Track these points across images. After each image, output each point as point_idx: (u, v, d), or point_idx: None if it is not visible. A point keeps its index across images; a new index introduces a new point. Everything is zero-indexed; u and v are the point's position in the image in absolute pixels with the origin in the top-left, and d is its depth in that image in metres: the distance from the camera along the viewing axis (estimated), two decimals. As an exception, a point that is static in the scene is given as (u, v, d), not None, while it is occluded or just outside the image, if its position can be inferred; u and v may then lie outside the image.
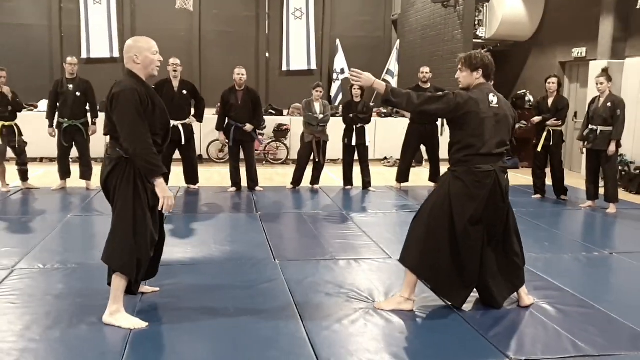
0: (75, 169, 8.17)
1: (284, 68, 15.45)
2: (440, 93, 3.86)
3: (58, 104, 7.85)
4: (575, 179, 9.64)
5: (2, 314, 3.73)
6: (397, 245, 4.84)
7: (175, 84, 7.98)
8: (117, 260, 3.58)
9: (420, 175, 10.10)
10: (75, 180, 8.15)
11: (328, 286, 4.38)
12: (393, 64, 14.83)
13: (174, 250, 5.19)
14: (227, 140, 8.16)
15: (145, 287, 4.15)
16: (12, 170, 7.97)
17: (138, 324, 3.57)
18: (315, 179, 8.64)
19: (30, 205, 7.20)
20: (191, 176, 8.27)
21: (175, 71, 7.93)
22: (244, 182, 8.32)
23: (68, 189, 8.04)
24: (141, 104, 3.49)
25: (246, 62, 14.89)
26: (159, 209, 3.56)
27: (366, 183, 8.65)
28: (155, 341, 3.43)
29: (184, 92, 8.02)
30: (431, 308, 4.03)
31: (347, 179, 8.75)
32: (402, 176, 8.85)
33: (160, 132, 3.68)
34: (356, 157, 8.65)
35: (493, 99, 3.84)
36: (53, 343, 3.35)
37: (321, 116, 8.40)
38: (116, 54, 14.27)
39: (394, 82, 14.27)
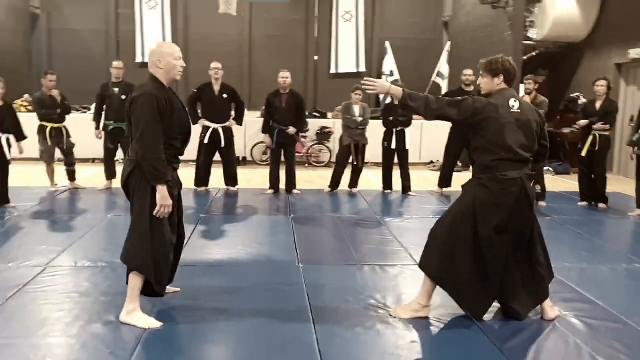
0: (120, 169, 8.40)
1: (332, 71, 15.43)
2: (459, 98, 3.78)
3: (104, 107, 8.11)
4: (629, 186, 9.24)
5: (26, 310, 3.88)
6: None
7: (217, 87, 8.13)
8: (134, 260, 3.66)
9: (464, 180, 9.88)
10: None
11: (348, 292, 4.34)
12: (444, 66, 14.59)
13: (202, 251, 5.28)
14: (271, 143, 8.23)
15: (167, 288, 4.23)
16: (60, 170, 8.26)
17: (153, 323, 3.63)
18: (353, 183, 8.60)
19: (74, 204, 7.47)
20: (231, 178, 8.38)
21: (216, 75, 8.07)
22: (283, 185, 8.37)
23: (113, 189, 8.28)
24: (159, 109, 3.55)
25: (295, 66, 15.09)
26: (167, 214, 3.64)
27: (405, 187, 8.54)
28: (167, 342, 3.48)
29: (224, 95, 8.15)
30: (450, 317, 3.93)
31: (387, 183, 8.67)
32: (444, 181, 8.69)
33: (179, 135, 3.75)
34: (397, 160, 8.57)
35: (514, 104, 3.73)
36: (68, 339, 3.45)
37: (360, 119, 8.36)
38: (169, 58, 14.62)
39: (444, 85, 14.07)
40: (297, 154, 11.44)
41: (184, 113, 3.81)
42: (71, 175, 8.24)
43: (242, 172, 8.62)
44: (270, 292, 4.32)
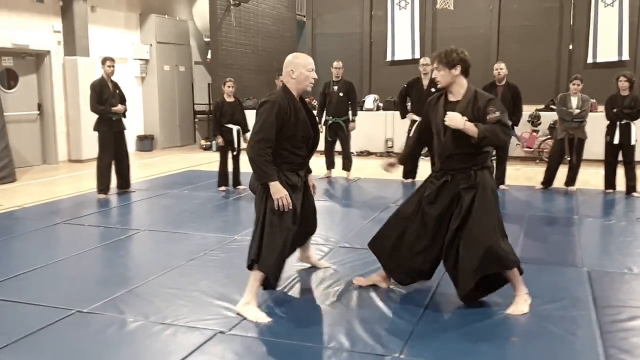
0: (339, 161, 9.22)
1: (590, 60, 14.24)
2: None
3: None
4: None
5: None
6: None
7: (425, 82, 8.36)
8: (262, 260, 3.83)
9: None
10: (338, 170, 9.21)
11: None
12: None
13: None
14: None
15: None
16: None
17: (262, 318, 3.74)
18: (569, 180, 8.03)
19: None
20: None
21: (424, 70, 8.29)
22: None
23: (331, 177, 9.12)
24: (278, 116, 3.77)
25: (546, 56, 14.42)
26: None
27: (630, 187, 7.68)
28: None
29: (432, 90, 8.31)
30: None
31: (608, 181, 7.90)
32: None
33: (302, 144, 3.98)
34: (621, 157, 7.77)
35: None
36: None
37: (577, 111, 7.77)
38: (417, 56, 15.14)
39: None
40: (527, 149, 11.10)
41: (307, 123, 3.96)
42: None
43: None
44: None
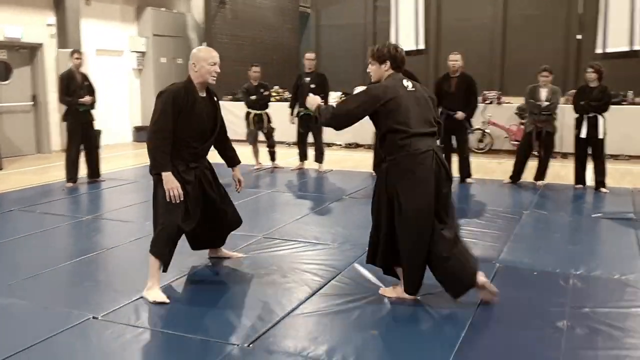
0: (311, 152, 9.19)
1: (599, 50, 13.74)
2: (355, 94, 3.91)
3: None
4: None
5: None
6: None
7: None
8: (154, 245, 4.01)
9: None
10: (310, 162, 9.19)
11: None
12: None
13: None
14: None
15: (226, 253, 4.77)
16: (264, 151, 9.37)
17: (159, 298, 3.87)
18: (539, 174, 7.79)
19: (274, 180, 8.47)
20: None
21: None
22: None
23: (304, 169, 9.12)
24: (174, 107, 3.87)
25: (553, 46, 13.98)
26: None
27: (598, 183, 7.43)
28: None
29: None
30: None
31: (578, 176, 7.64)
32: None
33: (196, 135, 4.03)
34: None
35: (408, 83, 3.77)
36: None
37: (546, 103, 7.54)
38: (421, 46, 14.93)
39: None
40: (515, 142, 10.80)
41: (203, 117, 4.03)
42: (272, 156, 9.30)
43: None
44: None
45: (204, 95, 4.10)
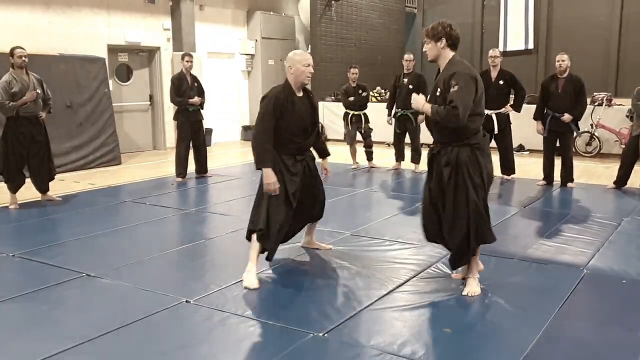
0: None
1: None
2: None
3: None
4: None
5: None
6: None
7: (494, 74, 8.11)
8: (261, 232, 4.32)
9: None
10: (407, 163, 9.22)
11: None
12: None
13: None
14: (543, 131, 7.82)
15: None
16: (361, 151, 9.52)
17: (253, 284, 4.19)
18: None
19: (363, 179, 8.64)
20: (506, 166, 8.25)
21: (493, 62, 8.03)
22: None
23: (400, 170, 9.17)
24: (276, 108, 4.22)
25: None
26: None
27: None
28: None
29: (501, 82, 8.07)
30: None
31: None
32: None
33: (299, 132, 4.37)
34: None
35: None
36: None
37: None
38: (530, 46, 14.45)
39: None
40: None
41: (301, 114, 4.35)
42: (369, 156, 9.42)
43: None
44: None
45: (301, 95, 4.42)
